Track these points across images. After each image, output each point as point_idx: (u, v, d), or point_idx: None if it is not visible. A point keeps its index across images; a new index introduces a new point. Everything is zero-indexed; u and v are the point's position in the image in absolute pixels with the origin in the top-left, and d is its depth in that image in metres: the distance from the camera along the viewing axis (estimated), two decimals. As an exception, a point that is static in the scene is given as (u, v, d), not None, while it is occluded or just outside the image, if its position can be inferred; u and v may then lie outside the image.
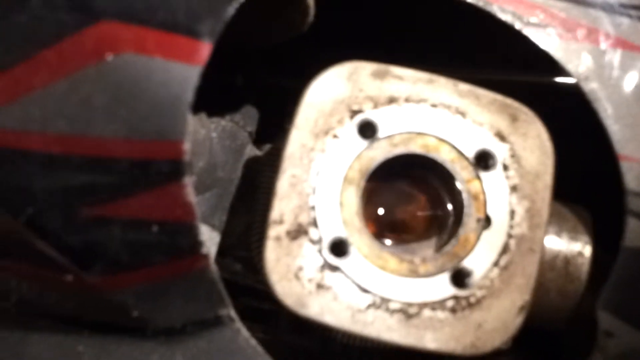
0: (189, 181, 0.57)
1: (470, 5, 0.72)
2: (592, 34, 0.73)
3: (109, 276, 0.60)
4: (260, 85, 0.83)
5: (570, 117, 0.73)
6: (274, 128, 0.75)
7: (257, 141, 0.80)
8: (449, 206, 0.70)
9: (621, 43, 0.74)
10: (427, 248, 0.69)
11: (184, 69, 0.57)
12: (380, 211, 0.70)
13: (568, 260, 0.73)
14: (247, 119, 0.79)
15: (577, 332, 0.75)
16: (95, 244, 0.59)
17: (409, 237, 0.71)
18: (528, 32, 0.72)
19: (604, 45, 0.73)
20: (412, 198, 0.72)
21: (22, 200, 0.57)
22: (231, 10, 0.59)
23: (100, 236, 0.59)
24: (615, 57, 0.73)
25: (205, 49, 0.58)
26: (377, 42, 0.85)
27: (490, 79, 0.72)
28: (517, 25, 0.72)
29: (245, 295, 0.79)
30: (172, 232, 0.59)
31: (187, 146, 0.56)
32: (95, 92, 0.56)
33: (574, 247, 0.74)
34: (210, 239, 0.73)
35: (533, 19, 0.73)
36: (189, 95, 0.57)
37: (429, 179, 0.71)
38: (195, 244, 0.60)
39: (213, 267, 0.62)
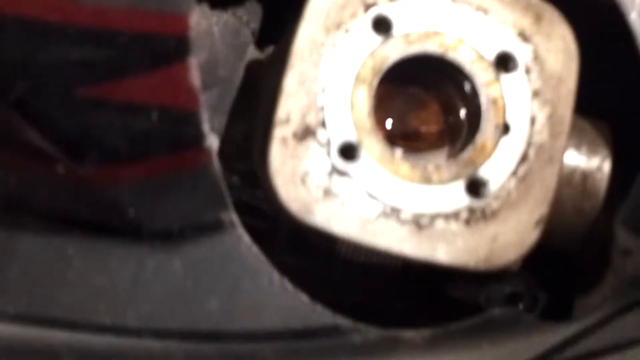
0: (194, 62, 0.53)
1: None
2: None
3: (103, 168, 0.56)
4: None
5: (598, 26, 0.69)
6: (277, 30, 0.71)
7: (259, 44, 0.76)
8: (462, 113, 0.66)
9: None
10: (439, 158, 0.66)
11: None
12: (390, 118, 0.67)
13: (586, 176, 0.70)
14: (250, 14, 0.74)
15: (590, 253, 0.72)
16: (89, 129, 0.55)
17: (420, 145, 0.67)
18: None
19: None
20: (423, 104, 0.68)
21: (12, 74, 0.52)
22: None
23: (95, 121, 0.54)
24: None
25: None
26: None
27: None
28: None
29: (240, 213, 0.75)
30: (174, 120, 0.55)
31: (193, 21, 0.52)
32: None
33: (592, 161, 0.70)
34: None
35: None
36: None
37: (441, 85, 0.67)
38: (199, 135, 0.56)
39: (216, 163, 0.58)
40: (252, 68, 0.74)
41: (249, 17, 0.74)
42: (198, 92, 0.54)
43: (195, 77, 0.53)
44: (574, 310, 0.71)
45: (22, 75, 0.52)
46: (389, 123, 0.67)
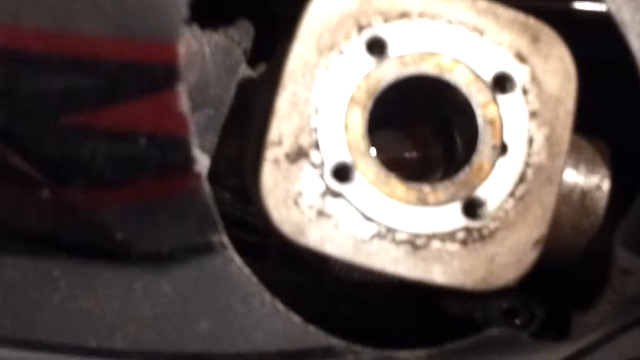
0: (183, 89, 0.52)
1: None
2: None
3: (90, 193, 0.55)
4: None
5: (596, 45, 0.68)
6: (270, 48, 0.70)
7: (251, 61, 0.75)
8: (457, 137, 0.66)
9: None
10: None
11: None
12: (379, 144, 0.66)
13: (585, 194, 0.69)
14: (242, 34, 0.73)
15: (589, 271, 0.71)
16: (75, 156, 0.53)
17: (409, 173, 0.66)
18: None
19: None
20: (414, 130, 0.68)
21: None
22: None
23: (82, 148, 0.53)
24: None
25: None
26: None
27: (512, 3, 0.66)
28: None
29: (232, 227, 0.74)
30: (163, 145, 0.54)
31: (182, 49, 0.50)
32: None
33: (591, 180, 0.69)
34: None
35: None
36: None
37: (436, 107, 0.66)
38: (188, 160, 0.55)
39: (206, 187, 0.57)
40: (244, 86, 0.73)
41: (241, 37, 0.73)
42: (188, 118, 0.53)
43: (184, 103, 0.52)
44: (572, 328, 0.70)
45: (4, 106, 0.51)
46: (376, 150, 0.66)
